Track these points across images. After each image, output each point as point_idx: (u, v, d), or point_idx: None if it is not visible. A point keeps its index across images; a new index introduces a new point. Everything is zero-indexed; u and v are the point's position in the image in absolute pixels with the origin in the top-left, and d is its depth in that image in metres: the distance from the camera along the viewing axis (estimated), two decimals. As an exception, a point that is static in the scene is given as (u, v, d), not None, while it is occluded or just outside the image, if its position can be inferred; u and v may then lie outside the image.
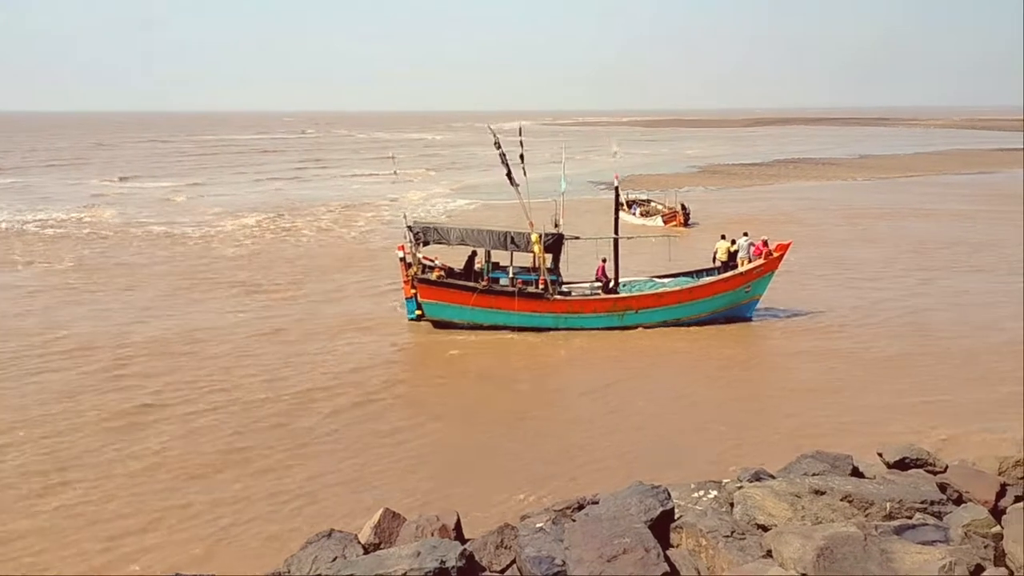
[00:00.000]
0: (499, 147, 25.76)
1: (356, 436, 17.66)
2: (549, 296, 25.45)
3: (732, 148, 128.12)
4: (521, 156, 25.80)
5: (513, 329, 25.39)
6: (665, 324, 25.73)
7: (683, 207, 48.67)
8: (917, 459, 11.96)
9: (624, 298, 25.84)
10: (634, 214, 48.95)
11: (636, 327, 25.53)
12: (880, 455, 12.32)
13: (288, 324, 26.44)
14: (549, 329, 25.40)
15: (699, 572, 8.95)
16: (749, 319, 26.62)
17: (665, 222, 46.91)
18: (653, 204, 52.30)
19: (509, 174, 25.54)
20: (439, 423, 18.56)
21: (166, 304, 29.10)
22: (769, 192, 66.35)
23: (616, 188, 27.55)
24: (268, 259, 37.72)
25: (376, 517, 10.97)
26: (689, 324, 25.87)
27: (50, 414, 18.53)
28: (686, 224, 47.28)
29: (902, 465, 11.90)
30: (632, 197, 52.20)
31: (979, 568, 8.20)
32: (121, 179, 78.10)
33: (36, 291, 31.04)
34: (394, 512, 11.17)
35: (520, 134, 27.43)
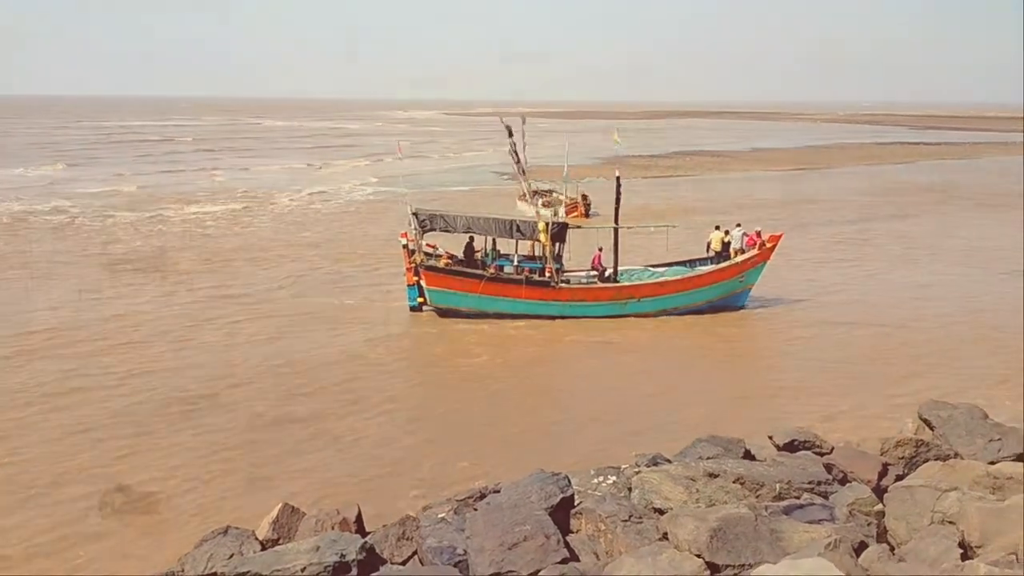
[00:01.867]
0: (511, 135, 26.13)
1: (267, 429, 17.20)
2: (555, 284, 25.56)
3: (634, 140, 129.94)
4: (524, 146, 26.55)
5: (519, 317, 25.33)
6: (665, 312, 26.10)
7: (584, 198, 49.21)
8: (805, 441, 12.45)
9: (627, 287, 26.18)
10: (536, 204, 49.12)
11: (638, 315, 25.78)
12: (771, 438, 12.78)
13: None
14: (553, 317, 25.46)
15: (598, 556, 9.11)
16: (743, 307, 27.26)
17: (567, 213, 47.20)
18: (555, 195, 52.51)
19: (518, 163, 26.01)
20: (357, 416, 18.17)
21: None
22: (671, 183, 67.54)
23: (617, 178, 27.98)
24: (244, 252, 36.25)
25: (274, 512, 10.76)
26: (687, 312, 26.32)
27: None
28: (587, 215, 47.81)
29: (791, 447, 12.37)
30: (534, 187, 52.31)
31: (863, 545, 8.57)
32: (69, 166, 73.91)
33: None
34: (293, 507, 11.00)
35: (523, 123, 27.89)
